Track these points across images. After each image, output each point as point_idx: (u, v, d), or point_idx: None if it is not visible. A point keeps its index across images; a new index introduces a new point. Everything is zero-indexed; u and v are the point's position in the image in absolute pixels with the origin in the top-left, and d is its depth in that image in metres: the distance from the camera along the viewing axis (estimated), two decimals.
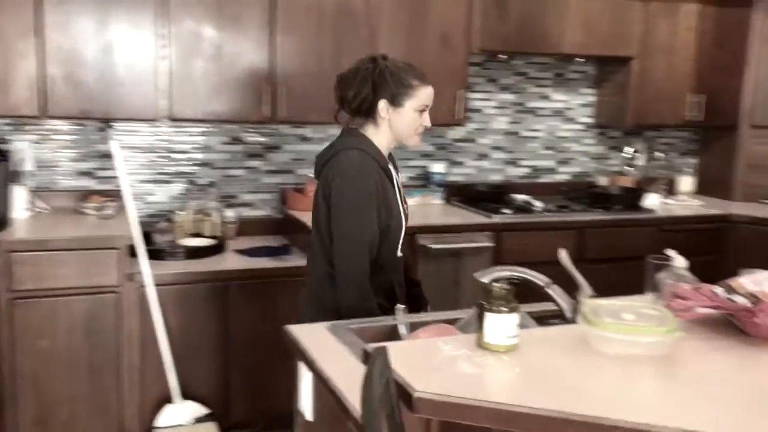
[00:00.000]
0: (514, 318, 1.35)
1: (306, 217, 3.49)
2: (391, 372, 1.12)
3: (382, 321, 2.04)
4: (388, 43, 3.58)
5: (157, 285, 3.04)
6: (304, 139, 3.88)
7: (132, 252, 3.03)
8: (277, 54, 3.42)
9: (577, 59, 4.24)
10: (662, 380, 1.27)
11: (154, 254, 3.18)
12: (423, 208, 3.91)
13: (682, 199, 4.37)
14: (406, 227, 2.25)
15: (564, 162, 4.46)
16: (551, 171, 4.43)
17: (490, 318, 1.35)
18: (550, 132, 4.39)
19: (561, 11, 3.86)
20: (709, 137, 4.69)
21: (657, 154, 4.58)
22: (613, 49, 4.04)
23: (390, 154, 2.26)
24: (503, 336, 1.35)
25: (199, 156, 3.70)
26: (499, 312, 1.35)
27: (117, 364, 3.08)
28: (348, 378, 1.62)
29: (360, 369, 1.65)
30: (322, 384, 1.68)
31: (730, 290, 1.56)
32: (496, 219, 3.63)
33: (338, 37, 3.51)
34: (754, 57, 4.36)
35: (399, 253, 2.22)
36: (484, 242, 3.56)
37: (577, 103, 4.42)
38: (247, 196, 3.81)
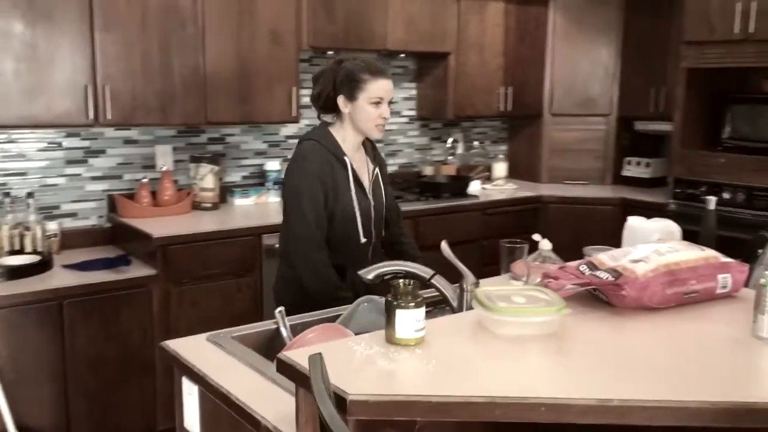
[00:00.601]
0: (421, 312, 1.41)
1: (143, 225, 3.33)
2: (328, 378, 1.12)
3: (262, 326, 2.01)
4: (217, 41, 3.49)
5: None
6: (130, 141, 3.67)
7: None
8: (97, 52, 3.20)
9: (400, 55, 4.40)
10: (564, 355, 1.39)
11: None
12: (261, 208, 3.87)
13: (498, 184, 4.71)
14: (374, 215, 2.43)
15: (392, 154, 4.62)
16: None
17: (399, 314, 1.40)
18: None
19: (384, 10, 3.99)
20: (516, 126, 5.09)
21: (476, 143, 4.89)
22: (432, 45, 4.25)
23: (373, 148, 2.51)
24: (412, 330, 1.40)
25: (13, 165, 3.37)
26: (407, 307, 1.40)
27: None
28: (250, 389, 1.60)
29: (258, 379, 1.64)
30: (217, 398, 1.64)
31: (593, 267, 1.73)
32: None
33: (164, 34, 3.36)
34: (551, 51, 4.80)
35: (362, 239, 2.38)
36: None
37: (401, 97, 4.60)
38: (70, 205, 3.54)
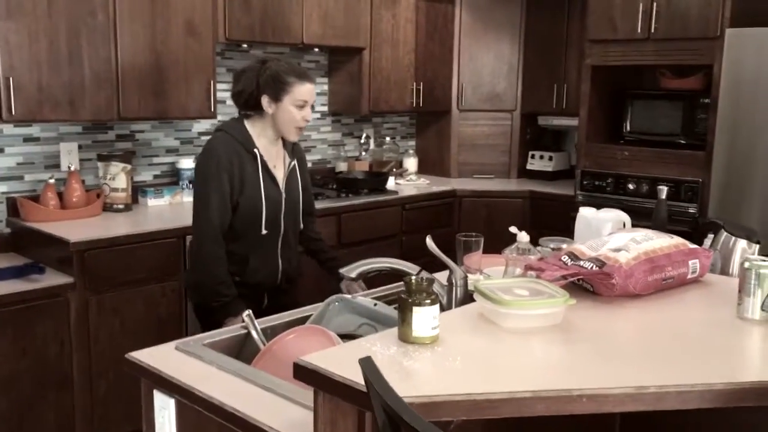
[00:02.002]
0: (437, 309, 1.38)
1: (52, 229, 3.09)
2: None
3: (231, 331, 1.91)
4: (130, 32, 3.28)
5: None
6: (31, 139, 3.38)
7: None
8: None
9: (314, 50, 4.33)
10: (581, 345, 1.40)
11: None
12: (176, 208, 3.69)
13: (411, 179, 4.74)
14: (285, 208, 2.46)
15: (306, 150, 4.51)
16: None
17: (416, 312, 1.36)
18: None
19: (300, 3, 3.90)
20: (425, 121, 5.15)
21: (387, 139, 4.90)
22: (347, 40, 4.21)
23: (295, 145, 2.56)
24: (429, 327, 1.37)
25: None
26: (424, 305, 1.37)
27: None
28: (244, 398, 1.51)
29: (248, 387, 1.54)
30: (206, 410, 1.53)
31: (575, 258, 1.77)
32: None
33: (73, 23, 3.11)
34: (458, 48, 4.88)
35: (264, 231, 2.39)
36: None
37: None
38: None
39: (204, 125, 4.00)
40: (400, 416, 0.96)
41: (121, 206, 3.53)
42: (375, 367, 1.06)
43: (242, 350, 1.88)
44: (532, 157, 5.03)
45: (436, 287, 1.79)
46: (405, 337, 1.38)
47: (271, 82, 2.33)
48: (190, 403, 1.56)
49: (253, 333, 1.87)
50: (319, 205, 3.81)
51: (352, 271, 1.77)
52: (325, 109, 4.61)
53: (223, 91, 4.01)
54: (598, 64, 4.19)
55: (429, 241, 1.78)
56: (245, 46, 4.03)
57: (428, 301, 1.37)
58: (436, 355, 1.33)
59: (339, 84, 4.54)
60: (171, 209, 3.66)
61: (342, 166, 4.62)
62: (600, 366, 1.30)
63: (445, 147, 5.03)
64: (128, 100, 3.33)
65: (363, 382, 1.19)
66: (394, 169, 4.73)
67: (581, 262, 1.74)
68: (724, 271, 1.97)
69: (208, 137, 3.96)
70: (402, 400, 1.00)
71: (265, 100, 2.34)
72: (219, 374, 1.63)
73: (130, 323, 3.10)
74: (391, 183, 4.45)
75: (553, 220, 4.40)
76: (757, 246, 1.98)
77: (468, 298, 1.76)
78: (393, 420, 1.01)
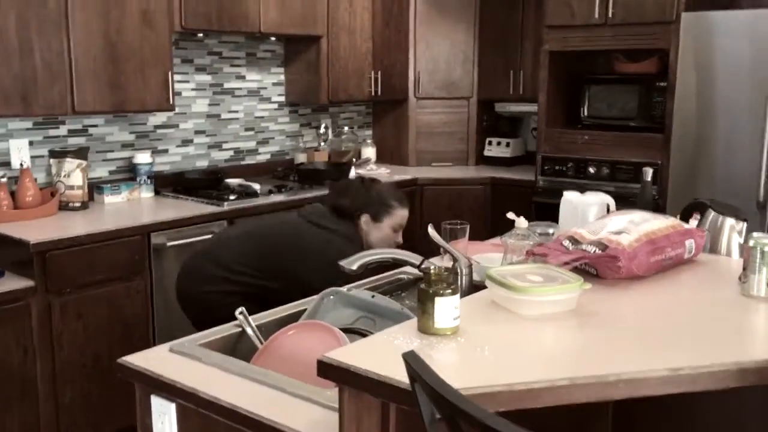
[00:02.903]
0: (457, 298, 1.35)
1: (7, 230, 2.93)
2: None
3: (222, 331, 1.83)
4: (84, 21, 3.14)
5: None
6: None
7: None
8: None
9: (271, 38, 4.23)
10: (603, 330, 1.39)
11: None
12: (134, 204, 3.55)
13: (371, 168, 4.70)
14: None
15: (264, 142, 4.44)
16: (253, 152, 4.38)
17: (439, 302, 1.32)
18: (248, 112, 4.32)
19: None
20: (381, 110, 5.10)
21: (345, 128, 4.83)
22: (304, 28, 4.12)
23: None
24: (451, 318, 1.34)
25: None
26: (445, 294, 1.33)
27: None
28: (257, 399, 1.45)
29: (259, 388, 1.48)
30: (216, 413, 1.46)
31: (576, 242, 1.76)
32: (227, 206, 3.47)
33: (22, 11, 2.94)
34: (414, 36, 4.85)
35: None
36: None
37: (270, 82, 4.42)
38: None
39: (160, 118, 3.86)
40: (459, 408, 0.92)
41: (77, 204, 3.37)
42: (422, 361, 1.02)
43: (236, 349, 1.81)
44: (489, 143, 5.05)
45: None
46: (426, 329, 1.35)
47: (376, 204, 2.49)
48: (195, 407, 1.49)
49: (249, 331, 1.81)
50: (282, 197, 3.75)
51: (352, 263, 1.72)
52: (282, 99, 4.51)
53: (180, 82, 3.89)
54: (556, 49, 4.22)
55: (431, 231, 1.74)
56: (201, 35, 3.90)
57: (449, 291, 1.34)
58: (461, 345, 1.30)
59: (296, 74, 4.45)
60: (129, 206, 3.52)
61: (301, 158, 4.54)
62: (629, 350, 1.29)
63: (403, 135, 5.00)
64: (83, 93, 3.18)
65: (392, 376, 1.15)
66: (354, 159, 4.68)
67: (583, 246, 1.73)
68: (714, 250, 2.00)
69: (165, 130, 3.87)
70: (458, 392, 0.96)
71: (364, 218, 2.49)
72: (223, 375, 1.56)
73: (95, 326, 2.97)
74: (352, 173, 4.39)
75: (514, 205, 4.34)
76: (745, 224, 2.02)
77: (472, 287, 1.73)
78: (447, 413, 0.97)
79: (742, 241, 2.01)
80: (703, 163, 3.68)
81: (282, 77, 4.48)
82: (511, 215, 1.87)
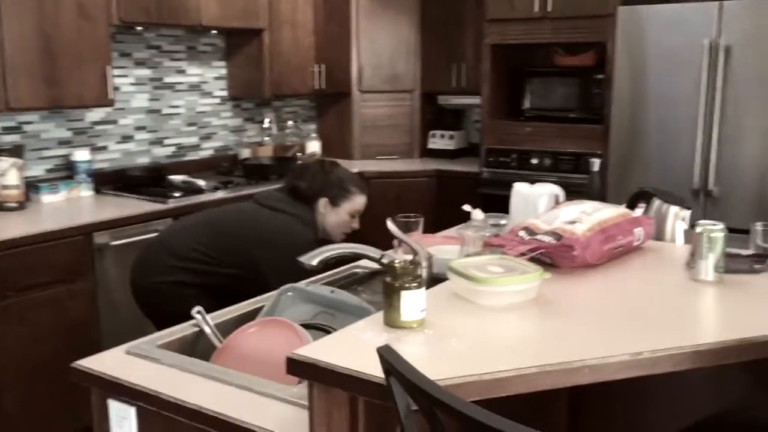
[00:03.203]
0: (423, 291, 1.36)
1: None
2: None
3: (181, 330, 1.80)
4: (16, 14, 3.02)
5: None
6: None
7: None
8: None
9: (212, 32, 4.16)
10: (566, 318, 1.42)
11: None
12: (74, 203, 3.44)
13: None
14: None
15: (206, 137, 4.36)
16: (196, 147, 4.30)
17: (405, 296, 1.33)
18: (189, 107, 4.24)
19: None
20: (325, 104, 5.08)
21: (290, 123, 4.79)
22: (246, 21, 4.07)
23: None
24: (417, 311, 1.35)
25: None
26: (411, 288, 1.34)
27: None
28: (224, 399, 1.43)
29: (225, 389, 1.46)
30: (181, 416, 1.43)
31: (531, 232, 1.80)
32: (172, 204, 3.40)
33: None
34: (356, 29, 4.84)
35: None
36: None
37: (212, 77, 4.35)
38: None
39: (98, 114, 3.75)
40: (437, 399, 0.93)
41: (13, 204, 3.25)
42: (398, 354, 1.03)
43: (194, 349, 1.78)
44: (433, 136, 5.09)
45: None
46: (392, 322, 1.35)
47: (335, 188, 2.47)
48: (158, 410, 1.46)
49: (207, 330, 1.78)
50: (230, 193, 3.70)
51: (312, 258, 1.71)
52: (225, 93, 4.44)
53: (119, 77, 3.78)
54: (497, 42, 4.29)
55: (390, 224, 1.75)
56: (140, 28, 3.81)
57: (415, 284, 1.35)
58: (429, 338, 1.31)
59: (238, 68, 4.39)
60: (69, 205, 3.42)
61: (245, 153, 4.48)
62: (591, 337, 1.33)
63: (347, 129, 4.99)
64: (17, 89, 3.07)
65: (363, 370, 1.16)
66: (299, 154, 4.65)
67: (539, 236, 1.77)
68: (659, 237, 2.07)
69: (103, 127, 3.76)
70: (436, 383, 0.97)
71: (322, 201, 2.46)
72: (185, 376, 1.53)
73: (39, 331, 2.88)
74: None
75: (459, 197, 4.40)
76: (689, 212, 2.10)
77: (432, 280, 1.75)
78: (425, 404, 0.98)
79: (686, 227, 2.09)
80: (640, 152, 3.79)
81: (224, 71, 4.42)
82: (467, 207, 1.89)
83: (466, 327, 1.37)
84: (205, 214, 2.59)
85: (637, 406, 2.00)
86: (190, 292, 2.26)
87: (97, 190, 3.64)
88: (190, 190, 3.60)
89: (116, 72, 3.75)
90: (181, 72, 4.15)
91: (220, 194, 3.65)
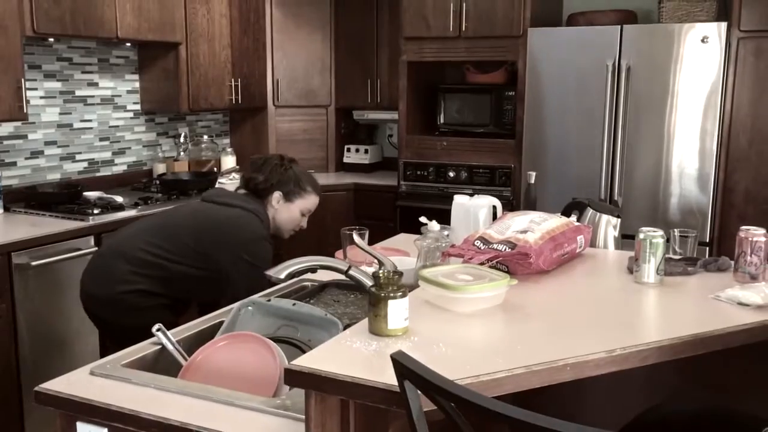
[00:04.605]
0: (407, 300, 1.41)
1: None
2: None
3: (144, 349, 1.77)
4: None
5: None
6: None
7: None
8: None
9: (126, 44, 4.05)
10: (536, 321, 1.51)
11: None
12: None
13: (234, 177, 4.63)
14: None
15: (120, 152, 4.23)
16: (109, 163, 4.16)
17: (392, 305, 1.38)
18: (102, 121, 4.10)
19: None
20: (239, 118, 5.05)
21: (205, 137, 4.72)
22: (162, 34, 3.99)
23: None
24: (402, 319, 1.40)
25: None
26: (396, 297, 1.39)
27: None
28: (209, 416, 1.42)
29: (207, 405, 1.44)
30: None
31: (486, 242, 1.89)
32: (93, 221, 3.28)
33: None
34: (271, 44, 4.85)
35: None
36: (87, 248, 3.20)
37: (125, 90, 4.23)
38: None
39: (6, 129, 3.57)
40: (459, 396, 0.99)
41: None
42: (413, 359, 1.08)
43: (155, 368, 1.75)
44: (348, 150, 5.16)
45: (368, 281, 1.81)
46: (379, 331, 1.40)
47: (291, 183, 2.49)
48: (137, 429, 1.43)
49: (170, 347, 1.75)
50: (150, 209, 3.60)
51: (280, 272, 1.72)
52: (138, 107, 4.33)
53: (28, 89, 3.62)
54: (414, 60, 4.41)
55: (356, 238, 1.79)
56: (51, 40, 3.66)
57: (400, 294, 1.40)
58: (417, 344, 1.37)
59: (152, 81, 4.29)
60: None
61: (160, 168, 4.38)
62: (565, 337, 1.42)
63: (263, 143, 4.97)
64: None
65: (365, 377, 1.20)
66: (215, 169, 4.59)
67: (494, 245, 1.86)
68: (593, 244, 2.22)
69: (13, 142, 3.57)
70: (455, 383, 1.03)
71: (276, 195, 2.48)
72: (161, 394, 1.51)
73: None
74: (219, 182, 4.31)
75: (378, 210, 4.58)
76: (618, 220, 2.26)
77: None
78: (445, 403, 1.03)
79: (617, 234, 2.25)
80: (551, 165, 4.01)
81: (137, 84, 4.31)
82: (423, 219, 1.96)
83: (447, 333, 1.44)
84: (155, 219, 2.53)
85: (574, 404, 2.12)
86: (154, 302, 2.26)
87: (6, 208, 3.46)
88: (110, 206, 3.49)
89: (30, 85, 3.59)
90: (93, 85, 4.02)
91: (142, 210, 3.55)
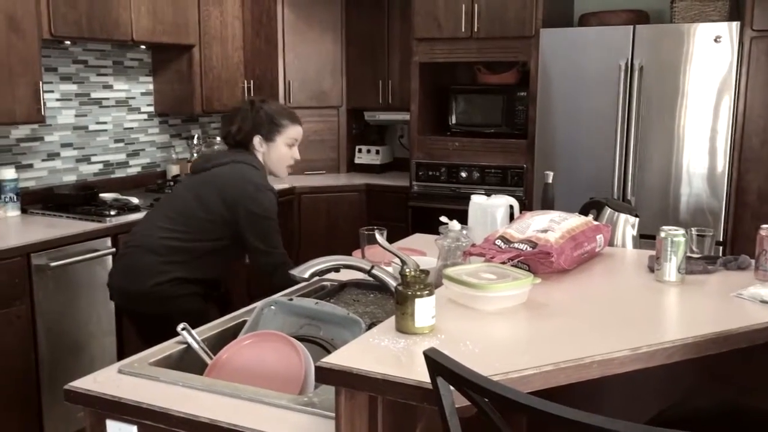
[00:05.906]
0: (433, 299, 1.43)
1: None
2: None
3: (171, 348, 1.79)
4: None
5: None
6: None
7: None
8: None
9: (140, 47, 4.08)
10: (562, 319, 1.52)
11: None
12: (2, 224, 3.29)
13: None
14: None
15: (134, 154, 4.26)
16: (124, 164, 4.19)
17: (419, 303, 1.40)
18: (117, 123, 4.13)
19: None
20: None
21: (217, 138, 4.75)
22: (177, 37, 4.02)
23: None
24: (429, 317, 1.42)
25: None
26: (423, 295, 1.41)
27: None
28: (240, 414, 1.44)
29: (226, 401, 1.47)
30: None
31: (507, 241, 1.90)
32: (110, 222, 3.31)
33: None
34: (283, 45, 4.87)
35: None
36: (104, 249, 3.22)
37: (139, 92, 4.26)
38: None
39: (23, 131, 3.60)
40: (493, 392, 1.00)
41: None
42: (446, 356, 1.09)
43: (180, 366, 1.77)
44: (360, 151, 5.18)
45: (391, 280, 1.83)
46: (406, 329, 1.42)
47: (266, 124, 2.49)
48: (167, 426, 1.45)
49: (195, 345, 1.77)
50: None
51: (304, 271, 1.74)
52: (152, 109, 4.36)
53: (45, 92, 3.64)
54: (425, 61, 4.43)
55: (379, 237, 1.81)
56: (67, 43, 3.69)
57: (427, 292, 1.42)
58: (444, 342, 1.38)
59: (166, 83, 4.32)
60: None
61: (174, 169, 4.41)
62: (590, 334, 1.44)
63: None
64: None
65: (398, 374, 1.22)
66: None
67: (515, 245, 1.87)
68: (610, 243, 2.23)
69: (28, 144, 3.60)
70: (490, 379, 1.04)
71: (257, 139, 2.50)
72: (189, 392, 1.53)
73: None
74: None
75: (390, 210, 4.60)
76: (637, 219, 2.27)
77: None
78: (479, 399, 1.05)
79: (635, 233, 2.26)
80: (563, 165, 4.01)
81: (150, 86, 4.33)
82: (443, 218, 1.98)
83: (473, 330, 1.45)
84: (159, 209, 2.59)
85: (589, 404, 2.13)
86: (186, 290, 2.35)
87: (24, 210, 3.49)
88: (126, 208, 3.51)
89: (48, 87, 3.62)
90: (108, 87, 4.05)
91: None
